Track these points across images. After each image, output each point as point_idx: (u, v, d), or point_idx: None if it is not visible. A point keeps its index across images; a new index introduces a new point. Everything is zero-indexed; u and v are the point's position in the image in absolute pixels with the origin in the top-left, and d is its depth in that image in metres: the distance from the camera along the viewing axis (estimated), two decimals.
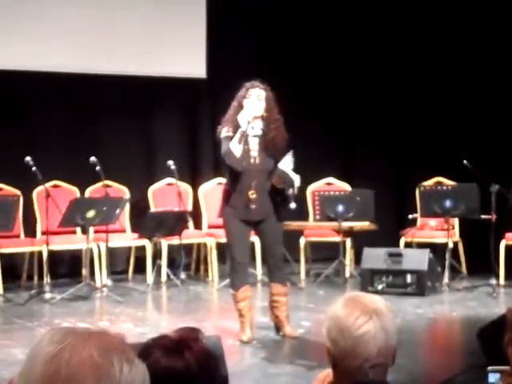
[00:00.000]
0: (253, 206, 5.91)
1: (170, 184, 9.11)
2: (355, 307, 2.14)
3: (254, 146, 5.92)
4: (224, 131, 5.90)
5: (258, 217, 5.98)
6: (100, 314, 7.52)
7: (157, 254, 8.64)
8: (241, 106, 5.88)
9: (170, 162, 8.61)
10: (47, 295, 7.78)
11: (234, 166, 5.85)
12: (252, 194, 5.90)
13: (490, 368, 2.20)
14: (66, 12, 8.97)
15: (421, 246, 8.74)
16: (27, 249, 8.39)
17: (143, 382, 1.23)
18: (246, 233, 6.03)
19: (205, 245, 9.14)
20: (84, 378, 1.18)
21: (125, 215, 8.90)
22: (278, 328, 6.23)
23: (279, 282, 6.14)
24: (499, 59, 9.62)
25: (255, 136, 5.92)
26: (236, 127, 5.84)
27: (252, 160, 5.91)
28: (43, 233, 8.29)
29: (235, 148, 5.82)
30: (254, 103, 5.86)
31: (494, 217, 8.06)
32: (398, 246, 8.78)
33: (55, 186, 8.70)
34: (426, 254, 8.06)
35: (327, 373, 2.30)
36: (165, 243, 8.61)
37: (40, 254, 8.27)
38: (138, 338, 5.77)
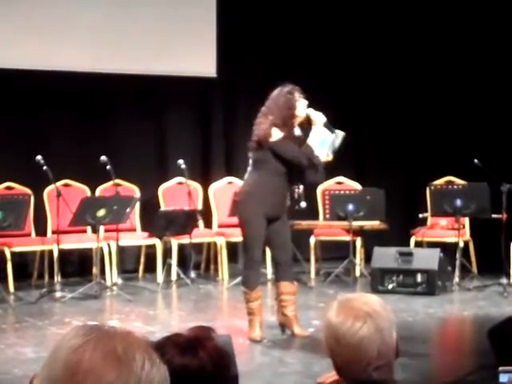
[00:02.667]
0: (289, 201, 6.13)
1: (180, 183, 9.13)
2: (347, 314, 2.13)
3: None
4: (278, 132, 5.91)
5: (284, 212, 6.11)
6: (110, 313, 7.54)
7: (167, 253, 8.65)
8: (295, 108, 5.97)
9: (181, 161, 8.63)
10: (58, 294, 7.80)
11: (316, 162, 6.01)
12: (295, 189, 6.09)
13: (501, 368, 2.20)
14: (78, 11, 8.99)
15: (431, 245, 8.72)
16: (38, 248, 8.42)
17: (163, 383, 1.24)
18: (264, 232, 6.04)
19: (215, 244, 9.14)
20: (105, 371, 1.19)
21: (135, 214, 8.92)
22: (283, 327, 6.23)
23: (288, 280, 6.16)
24: (509, 58, 9.59)
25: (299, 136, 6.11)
26: (288, 128, 5.94)
27: None
28: (54, 232, 8.31)
29: (314, 146, 5.99)
30: (306, 104, 6.04)
31: (504, 216, 8.05)
32: (408, 245, 8.76)
33: (66, 185, 8.72)
34: (436, 253, 8.04)
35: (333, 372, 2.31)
36: (175, 242, 8.62)
37: (51, 252, 8.29)
38: (147, 336, 5.77)
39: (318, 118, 6.03)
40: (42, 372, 1.23)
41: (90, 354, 1.20)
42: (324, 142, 6.10)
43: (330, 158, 6.14)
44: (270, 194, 5.94)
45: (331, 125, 6.08)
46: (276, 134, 5.93)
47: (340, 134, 6.11)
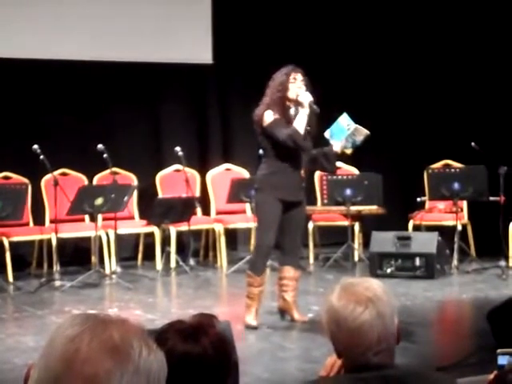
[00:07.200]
0: (304, 184, 6.09)
1: (177, 170, 9.12)
2: (349, 298, 2.14)
3: None
4: (270, 114, 5.88)
5: (302, 197, 6.08)
6: (110, 301, 7.54)
7: (165, 241, 8.65)
8: (286, 89, 5.91)
9: (178, 149, 8.62)
10: (57, 283, 7.81)
11: (303, 145, 5.91)
12: (304, 173, 6.05)
13: (499, 350, 2.20)
14: (74, 0, 8.96)
15: (429, 228, 8.73)
16: (36, 237, 8.41)
17: (161, 371, 1.23)
18: (279, 218, 5.99)
19: (213, 231, 9.15)
20: (103, 360, 1.18)
21: (133, 202, 8.91)
22: (282, 313, 6.24)
23: (292, 265, 6.15)
24: (507, 43, 9.57)
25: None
26: (282, 110, 5.88)
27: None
28: (52, 221, 8.31)
29: (300, 128, 5.87)
30: (300, 87, 5.94)
31: (502, 199, 8.05)
32: (406, 229, 8.77)
33: (63, 174, 8.71)
34: (434, 236, 8.06)
35: (335, 359, 2.32)
36: (173, 229, 8.62)
37: (49, 242, 8.29)
38: (148, 324, 5.79)
39: (304, 97, 5.91)
40: (39, 362, 1.22)
41: (87, 344, 1.19)
42: (341, 132, 6.09)
43: (348, 152, 6.18)
44: (283, 177, 5.92)
45: (316, 104, 5.94)
46: (268, 116, 5.88)
47: (363, 132, 6.11)
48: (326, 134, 6.18)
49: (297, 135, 5.85)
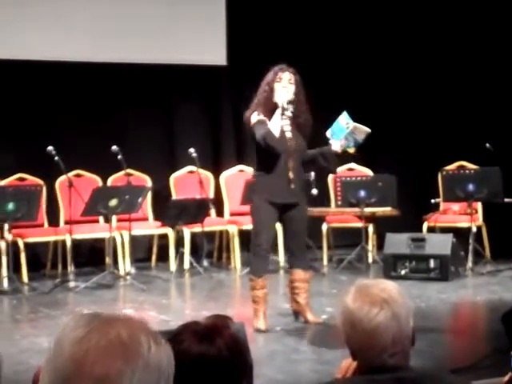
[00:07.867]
0: (292, 186, 5.88)
1: (191, 172, 9.13)
2: (364, 300, 2.14)
3: (287, 127, 5.90)
4: (255, 115, 5.82)
5: (295, 199, 5.94)
6: (124, 302, 7.56)
7: (179, 242, 8.66)
8: (272, 90, 5.85)
9: (192, 150, 8.64)
10: (71, 284, 7.84)
11: (276, 146, 5.75)
12: (291, 175, 5.88)
13: None
14: (79, 2, 8.99)
15: (444, 230, 8.70)
16: (51, 238, 8.45)
17: (170, 364, 1.23)
18: (274, 220, 5.97)
19: (227, 232, 9.15)
20: (113, 359, 1.17)
21: (147, 203, 8.94)
22: (296, 314, 6.22)
23: (301, 267, 6.12)
24: None
25: (287, 118, 5.88)
26: (268, 111, 5.80)
27: (288, 142, 5.89)
28: (66, 222, 8.34)
29: (274, 129, 5.76)
30: (285, 86, 5.85)
31: None
32: (420, 231, 8.75)
33: (78, 176, 8.74)
34: (449, 238, 8.03)
35: (350, 361, 2.31)
36: (187, 231, 8.64)
37: (64, 243, 8.33)
38: (161, 325, 5.79)
39: (279, 97, 5.80)
40: (48, 365, 1.21)
41: (95, 344, 1.18)
42: (341, 131, 6.05)
43: (351, 151, 6.14)
44: (270, 179, 5.85)
45: (290, 103, 5.86)
46: (253, 118, 5.82)
47: (363, 130, 6.06)
48: (328, 133, 6.12)
49: (269, 136, 5.72)
